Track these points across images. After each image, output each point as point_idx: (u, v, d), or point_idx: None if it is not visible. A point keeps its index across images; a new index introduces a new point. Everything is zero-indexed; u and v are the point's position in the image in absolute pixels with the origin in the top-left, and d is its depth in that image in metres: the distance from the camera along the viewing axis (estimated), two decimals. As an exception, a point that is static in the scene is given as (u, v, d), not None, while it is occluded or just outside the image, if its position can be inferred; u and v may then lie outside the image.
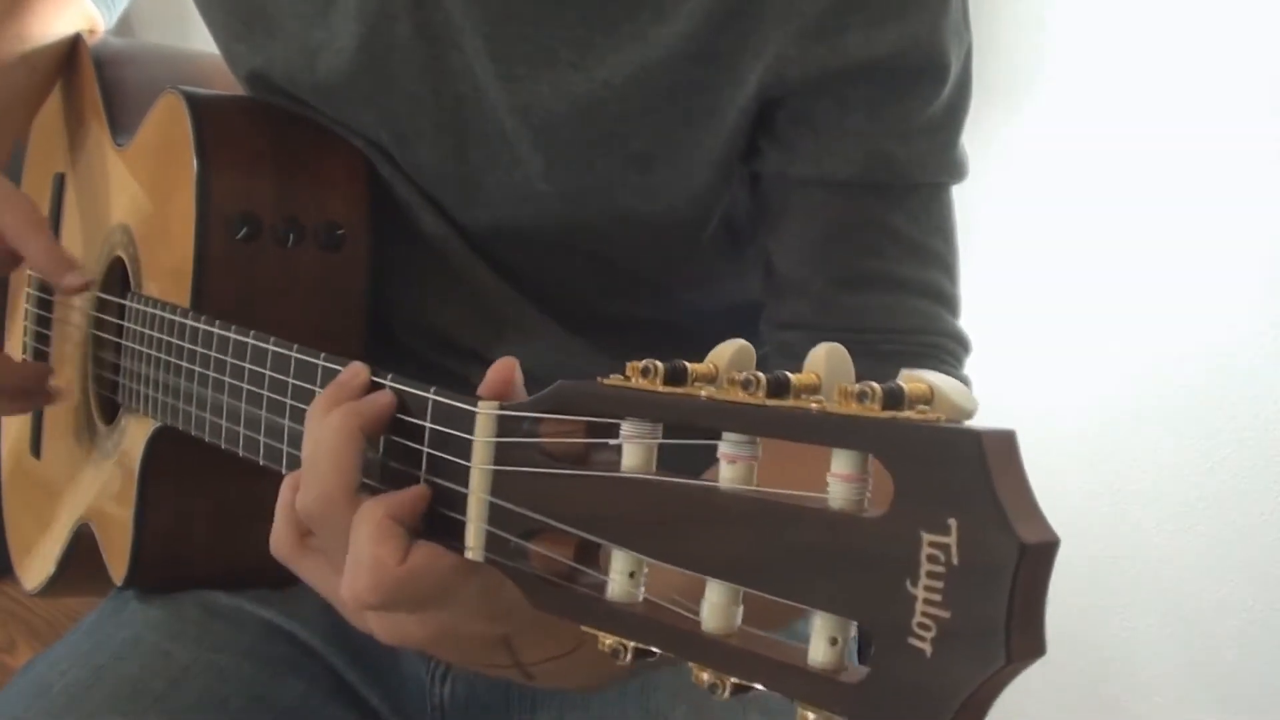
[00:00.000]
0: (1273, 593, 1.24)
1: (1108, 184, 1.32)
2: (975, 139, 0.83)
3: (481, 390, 0.53)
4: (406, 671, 0.88)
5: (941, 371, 0.79)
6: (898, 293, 0.79)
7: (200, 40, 0.96)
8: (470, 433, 0.50)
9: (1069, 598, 1.37)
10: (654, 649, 0.42)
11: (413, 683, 0.88)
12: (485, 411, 0.49)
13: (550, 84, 0.77)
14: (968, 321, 0.84)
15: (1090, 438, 1.35)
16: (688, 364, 0.43)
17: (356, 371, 0.58)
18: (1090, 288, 1.34)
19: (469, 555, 0.50)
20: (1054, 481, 1.37)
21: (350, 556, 0.51)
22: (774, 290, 0.82)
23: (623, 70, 0.76)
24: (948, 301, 0.82)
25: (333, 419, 0.55)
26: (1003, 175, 1.37)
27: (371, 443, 0.56)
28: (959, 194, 0.83)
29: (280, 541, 0.59)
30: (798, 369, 0.80)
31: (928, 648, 0.35)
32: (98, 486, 0.92)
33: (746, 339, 0.95)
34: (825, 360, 0.40)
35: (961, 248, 0.83)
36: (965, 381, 0.81)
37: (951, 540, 0.35)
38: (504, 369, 0.53)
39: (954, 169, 0.81)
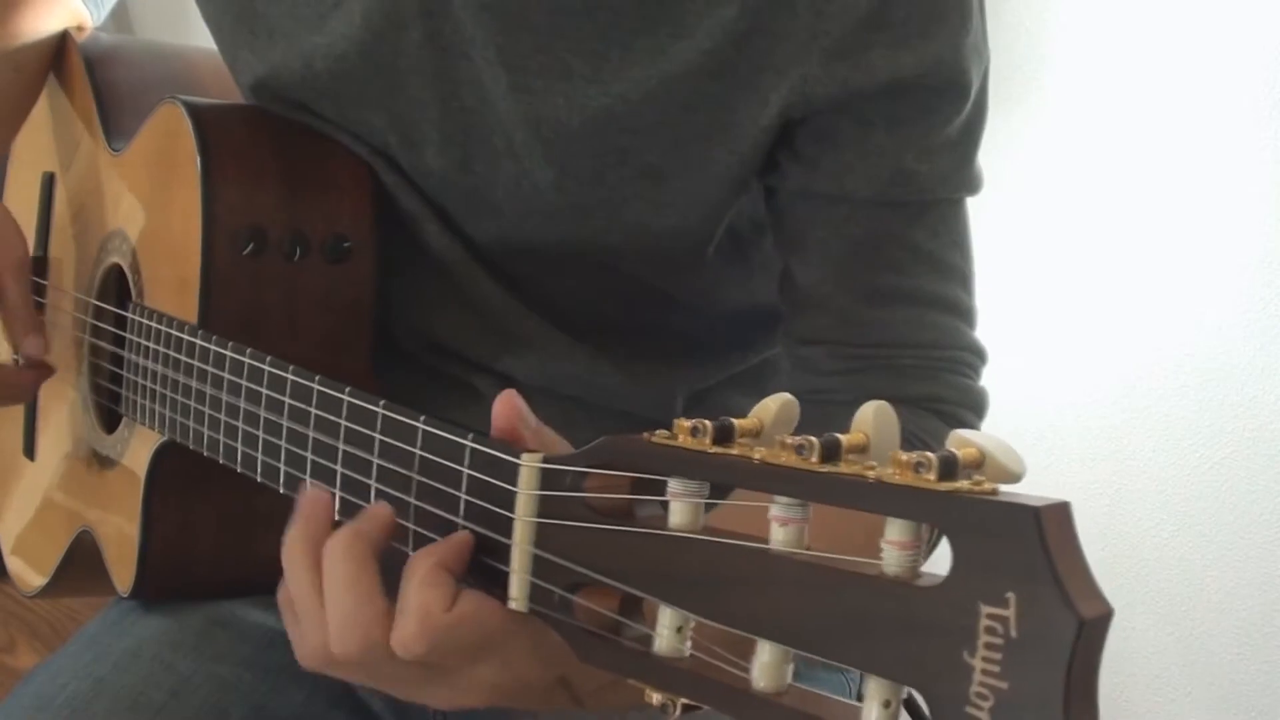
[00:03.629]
0: (1273, 593, 1.25)
1: (1108, 182, 1.32)
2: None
3: (494, 432, 0.53)
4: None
5: (962, 385, 0.80)
6: (919, 308, 0.80)
7: (199, 39, 0.95)
8: (513, 484, 0.50)
9: (1069, 597, 1.38)
10: (703, 706, 0.43)
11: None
12: (529, 464, 0.49)
13: (564, 97, 0.77)
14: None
15: (1090, 437, 1.36)
16: (734, 421, 0.43)
17: (315, 499, 0.57)
18: (1090, 287, 1.35)
19: (513, 606, 0.50)
20: (1054, 481, 1.38)
21: (399, 606, 0.52)
22: (795, 305, 0.83)
23: (640, 85, 0.76)
24: (965, 314, 0.82)
25: (336, 551, 0.54)
26: (1002, 175, 1.37)
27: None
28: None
29: (311, 661, 0.57)
30: (818, 383, 0.80)
31: (985, 717, 0.36)
32: (99, 494, 0.92)
33: (751, 345, 0.95)
34: (873, 420, 0.41)
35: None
36: (982, 394, 0.82)
37: (1010, 613, 0.35)
38: (508, 407, 0.53)
39: (971, 183, 0.82)
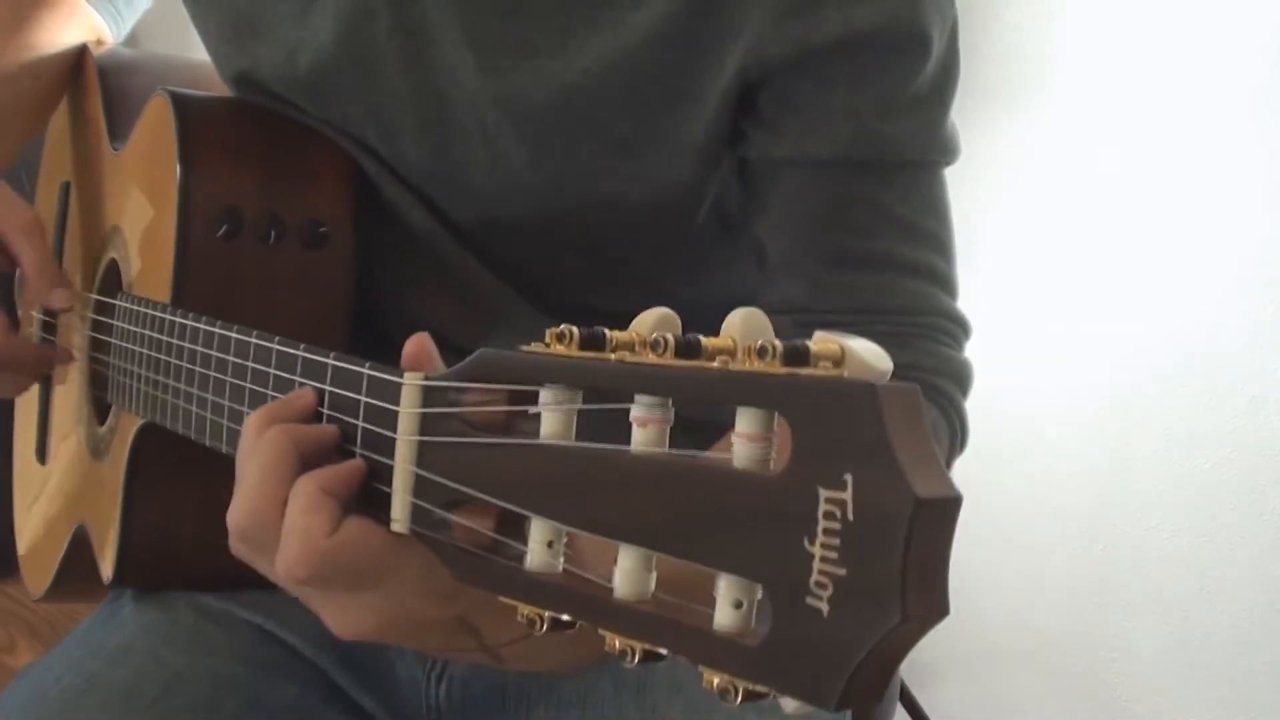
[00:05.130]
0: (1272, 593, 1.23)
1: (1108, 183, 1.31)
2: (975, 136, 0.83)
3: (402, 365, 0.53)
4: (401, 673, 0.87)
5: (940, 353, 0.77)
6: (890, 272, 0.78)
7: (201, 51, 0.96)
8: (397, 404, 0.49)
9: (1069, 598, 1.36)
10: (566, 617, 0.42)
11: (408, 684, 0.87)
12: (410, 382, 0.49)
13: (531, 74, 0.77)
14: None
15: (1090, 438, 1.34)
16: (608, 331, 0.42)
17: (301, 394, 0.58)
18: (1091, 288, 1.33)
19: (395, 528, 0.49)
20: (1053, 482, 1.36)
21: (283, 529, 0.51)
22: (766, 274, 0.81)
23: (602, 57, 0.76)
24: (942, 281, 0.80)
25: (268, 435, 0.54)
26: (1002, 173, 1.36)
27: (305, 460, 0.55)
28: (959, 193, 0.82)
29: (234, 542, 0.58)
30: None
31: (825, 606, 0.34)
32: (92, 487, 0.93)
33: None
34: (741, 324, 0.40)
35: (963, 249, 0.82)
36: (964, 364, 0.80)
37: (847, 495, 0.34)
38: (414, 342, 0.53)
39: (943, 148, 0.80)
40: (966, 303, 0.82)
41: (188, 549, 0.86)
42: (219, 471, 0.73)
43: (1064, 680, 1.37)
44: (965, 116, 0.82)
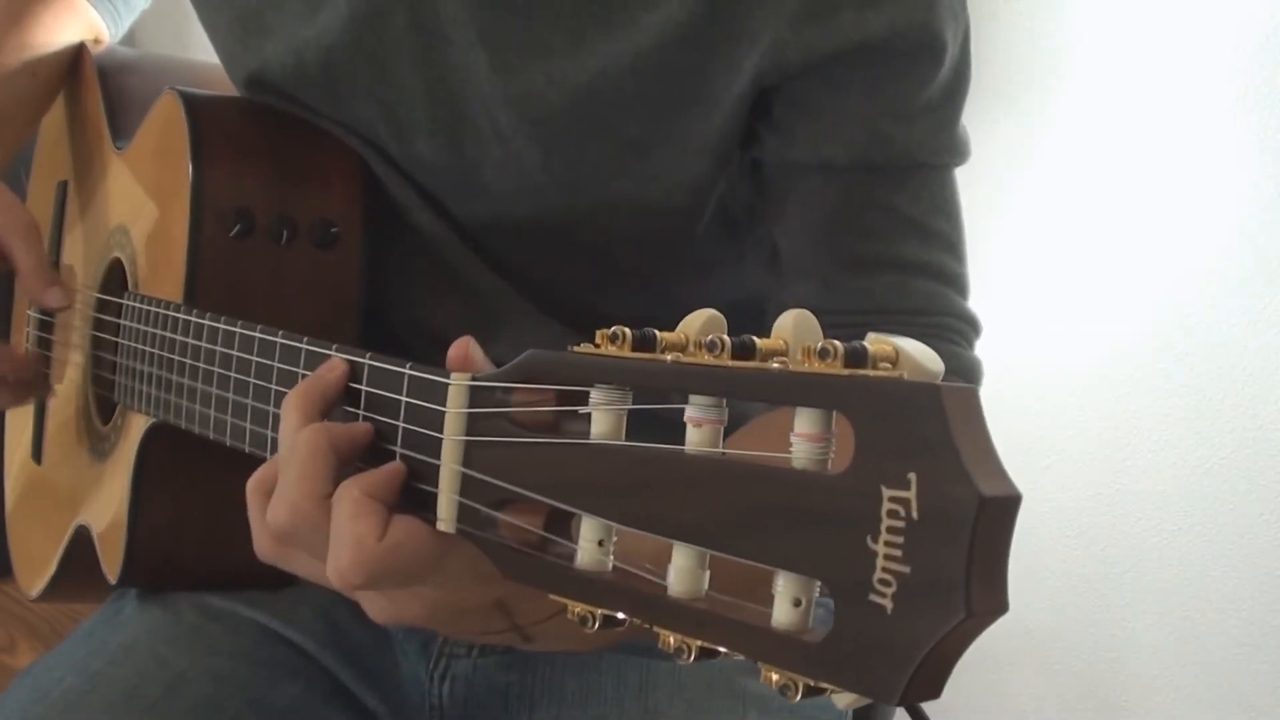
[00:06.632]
0: (1272, 593, 1.24)
1: (1110, 183, 1.31)
2: (981, 135, 0.83)
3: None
4: (405, 673, 0.88)
5: (951, 352, 0.78)
6: (902, 274, 0.79)
7: (199, 51, 0.96)
8: (443, 404, 0.50)
9: (1069, 598, 1.36)
10: (620, 615, 0.42)
11: (411, 684, 0.88)
12: (457, 383, 0.49)
13: (545, 74, 0.77)
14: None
15: (1090, 437, 1.35)
16: (658, 332, 0.43)
17: (333, 366, 0.58)
18: (1091, 287, 1.34)
19: (441, 527, 0.49)
20: (1054, 481, 1.37)
21: (331, 536, 0.51)
22: (779, 276, 0.82)
23: (616, 58, 0.76)
24: (954, 282, 0.81)
25: (305, 434, 0.54)
26: (1005, 172, 1.37)
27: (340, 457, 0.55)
28: (969, 191, 0.83)
29: (263, 547, 0.58)
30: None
31: (888, 603, 0.35)
32: (95, 487, 0.92)
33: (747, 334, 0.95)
34: (793, 326, 0.40)
35: (969, 253, 0.83)
36: (975, 363, 0.81)
37: (911, 494, 0.34)
38: (460, 345, 0.53)
39: (955, 150, 0.81)
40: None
41: (195, 548, 0.86)
42: (227, 471, 0.73)
43: (1064, 680, 1.38)
44: (971, 115, 0.83)
